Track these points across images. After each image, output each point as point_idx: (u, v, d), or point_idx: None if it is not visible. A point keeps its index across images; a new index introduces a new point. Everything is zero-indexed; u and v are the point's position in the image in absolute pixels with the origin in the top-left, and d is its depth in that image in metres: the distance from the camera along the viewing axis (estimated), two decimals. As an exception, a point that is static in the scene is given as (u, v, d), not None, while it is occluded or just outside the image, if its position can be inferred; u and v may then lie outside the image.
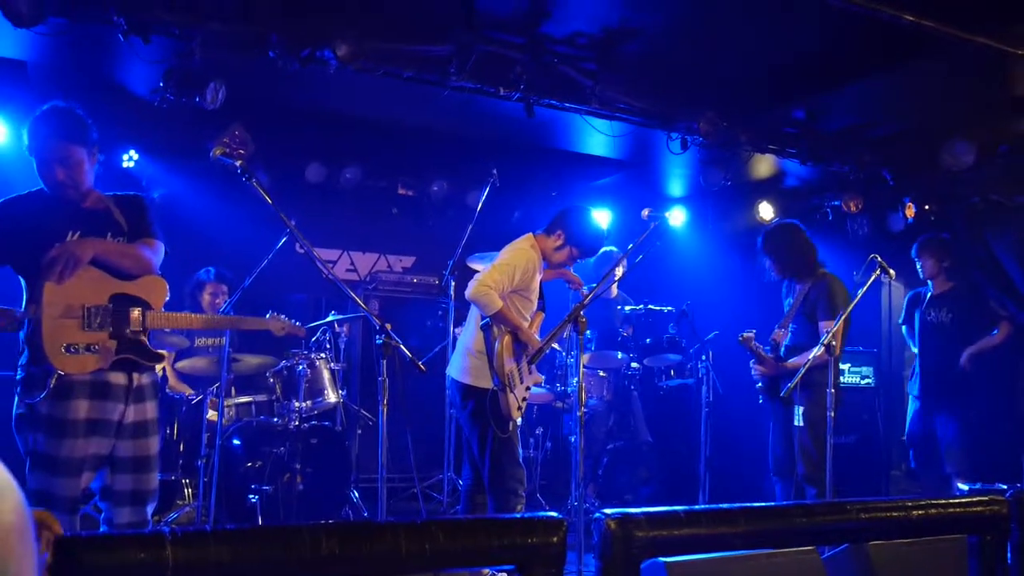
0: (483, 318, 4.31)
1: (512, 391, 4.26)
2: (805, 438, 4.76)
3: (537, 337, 4.46)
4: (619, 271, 5.76)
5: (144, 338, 3.26)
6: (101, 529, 3.27)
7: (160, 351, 3.35)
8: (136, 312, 3.23)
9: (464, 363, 4.39)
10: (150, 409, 3.30)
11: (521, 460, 4.42)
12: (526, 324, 4.41)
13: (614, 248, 6.58)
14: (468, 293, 4.24)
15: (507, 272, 4.29)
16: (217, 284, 5.98)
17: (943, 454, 5.77)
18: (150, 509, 3.29)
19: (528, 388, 4.46)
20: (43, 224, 3.16)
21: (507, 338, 4.28)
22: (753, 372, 5.01)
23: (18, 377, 3.14)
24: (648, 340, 6.81)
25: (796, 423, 4.81)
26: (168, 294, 3.37)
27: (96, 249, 3.15)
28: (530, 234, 4.57)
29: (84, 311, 3.12)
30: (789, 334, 4.97)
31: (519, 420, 4.41)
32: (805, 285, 4.96)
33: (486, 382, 4.29)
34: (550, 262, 4.59)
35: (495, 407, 4.26)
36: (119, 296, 3.21)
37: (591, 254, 4.75)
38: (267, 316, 4.06)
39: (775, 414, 5.06)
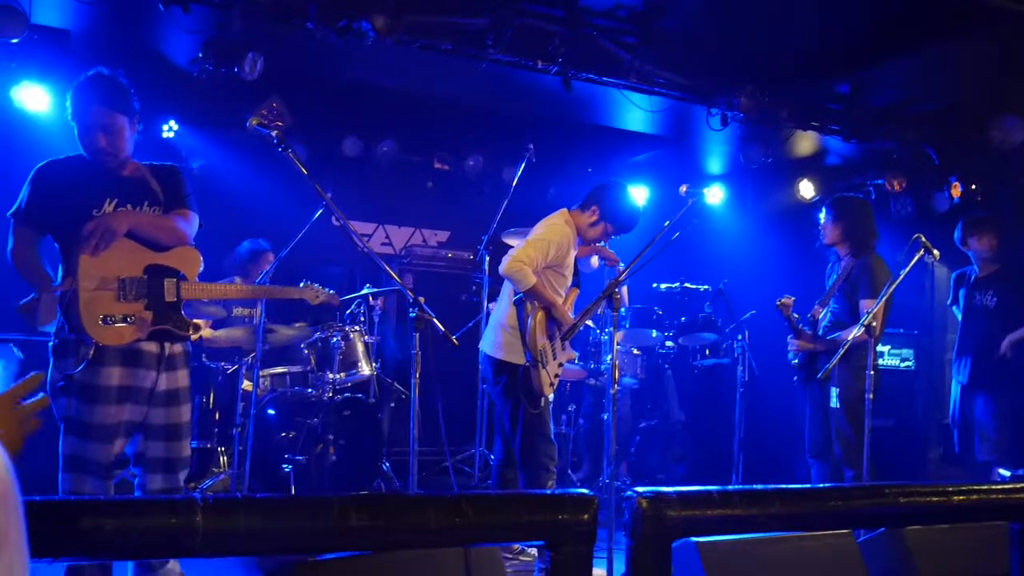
0: (516, 293, 4.29)
1: (544, 367, 4.24)
2: (841, 420, 4.69)
3: (571, 314, 4.43)
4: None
5: (180, 308, 3.28)
6: (135, 494, 3.31)
7: (197, 320, 3.37)
8: (171, 283, 3.24)
9: (497, 338, 4.38)
10: (182, 377, 3.32)
11: (552, 436, 4.41)
12: (560, 300, 4.38)
13: None
14: (502, 268, 4.22)
15: (541, 248, 4.25)
16: (272, 253, 5.99)
17: (976, 439, 5.65)
18: (182, 476, 3.32)
19: (561, 364, 4.44)
20: (81, 190, 3.18)
21: (540, 314, 4.25)
22: (790, 347, 4.93)
23: (51, 344, 3.17)
24: (683, 319, 6.75)
25: (832, 404, 4.74)
26: (202, 265, 3.38)
27: (131, 221, 3.17)
28: (564, 210, 4.52)
29: (120, 283, 3.14)
30: (828, 312, 4.89)
31: (551, 396, 4.39)
32: (849, 262, 4.87)
33: (518, 357, 4.27)
34: (585, 238, 4.54)
35: (527, 383, 4.25)
36: (154, 267, 3.22)
37: (627, 230, 4.69)
38: (301, 285, 4.06)
39: (811, 394, 4.98)
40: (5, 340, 5.29)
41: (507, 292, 4.42)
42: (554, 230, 4.37)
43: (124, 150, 3.25)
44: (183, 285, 3.27)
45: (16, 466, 1.22)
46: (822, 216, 5.00)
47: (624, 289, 6.79)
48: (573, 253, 4.48)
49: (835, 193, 5.74)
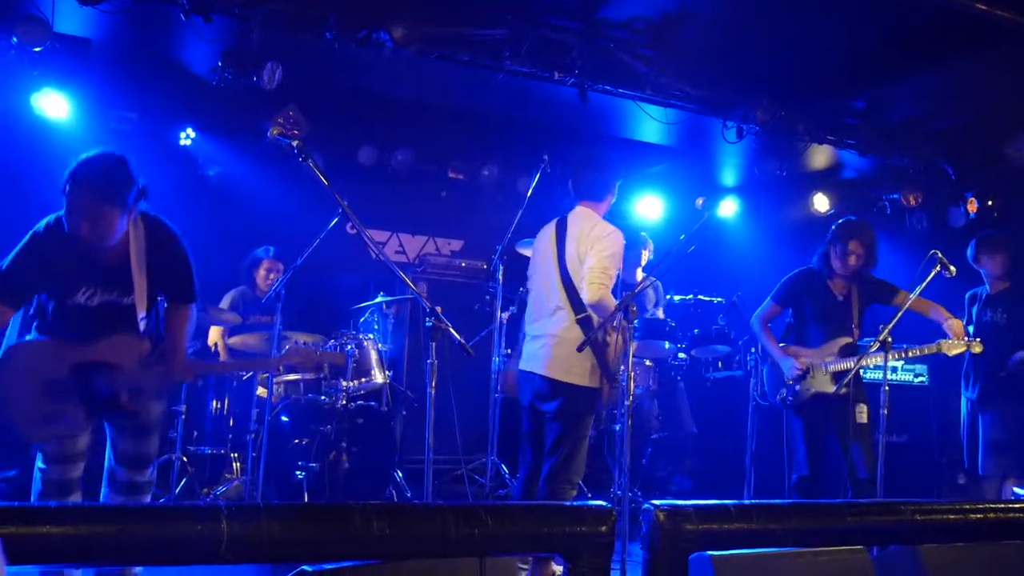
0: (578, 312, 4.09)
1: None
2: (873, 434, 4.69)
3: None
4: (646, 255, 5.71)
5: (123, 398, 3.20)
6: (104, 482, 3.36)
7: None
8: (102, 380, 3.18)
9: (564, 361, 4.10)
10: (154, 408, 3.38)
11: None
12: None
13: (643, 233, 6.47)
14: (590, 298, 3.99)
15: (615, 264, 4.09)
16: (274, 262, 6.07)
17: (981, 455, 5.61)
18: (151, 471, 3.38)
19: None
20: (58, 274, 3.17)
21: (619, 336, 4.12)
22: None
23: None
24: (696, 331, 6.73)
25: (860, 420, 4.71)
26: (147, 348, 3.30)
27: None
28: (589, 212, 4.28)
29: (43, 385, 3.13)
30: (861, 333, 4.92)
31: None
32: (852, 287, 4.91)
33: (580, 378, 4.09)
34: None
35: (598, 401, 4.14)
36: (81, 365, 3.18)
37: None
38: (286, 348, 3.87)
39: (812, 419, 4.91)
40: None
41: (565, 311, 4.15)
42: (615, 240, 4.13)
43: (110, 238, 3.16)
44: (118, 377, 3.19)
45: None
46: (855, 243, 4.80)
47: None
48: None
49: (851, 208, 5.73)
